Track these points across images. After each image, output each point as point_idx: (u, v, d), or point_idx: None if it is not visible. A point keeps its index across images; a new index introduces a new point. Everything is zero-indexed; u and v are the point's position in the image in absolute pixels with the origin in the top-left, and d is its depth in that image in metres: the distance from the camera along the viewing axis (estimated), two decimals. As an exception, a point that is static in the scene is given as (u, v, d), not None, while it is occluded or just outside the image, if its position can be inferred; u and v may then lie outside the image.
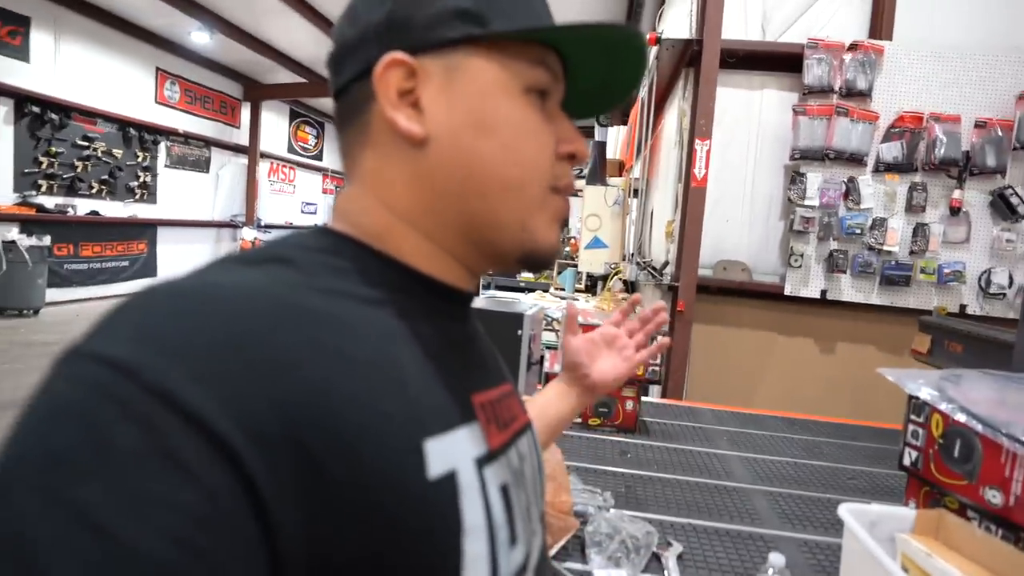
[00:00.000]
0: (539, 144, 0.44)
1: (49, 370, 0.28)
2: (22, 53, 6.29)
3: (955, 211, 2.34)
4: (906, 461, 1.16)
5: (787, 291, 2.49)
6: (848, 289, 2.46)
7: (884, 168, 2.38)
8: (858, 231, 2.38)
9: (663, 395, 2.54)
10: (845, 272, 2.44)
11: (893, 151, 2.35)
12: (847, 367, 2.50)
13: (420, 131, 0.42)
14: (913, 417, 1.17)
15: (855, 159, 2.38)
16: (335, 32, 0.48)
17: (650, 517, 1.09)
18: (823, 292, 2.48)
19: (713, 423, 1.74)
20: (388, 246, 0.44)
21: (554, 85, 0.46)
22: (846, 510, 0.86)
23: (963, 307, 2.41)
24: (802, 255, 2.45)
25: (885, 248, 2.37)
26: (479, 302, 1.42)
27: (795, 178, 2.45)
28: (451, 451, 0.37)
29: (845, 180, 2.40)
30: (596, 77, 0.49)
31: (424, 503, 0.34)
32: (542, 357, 2.71)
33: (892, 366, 1.44)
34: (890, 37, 2.44)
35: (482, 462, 0.40)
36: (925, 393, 1.15)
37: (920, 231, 2.36)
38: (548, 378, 1.62)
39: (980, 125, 2.31)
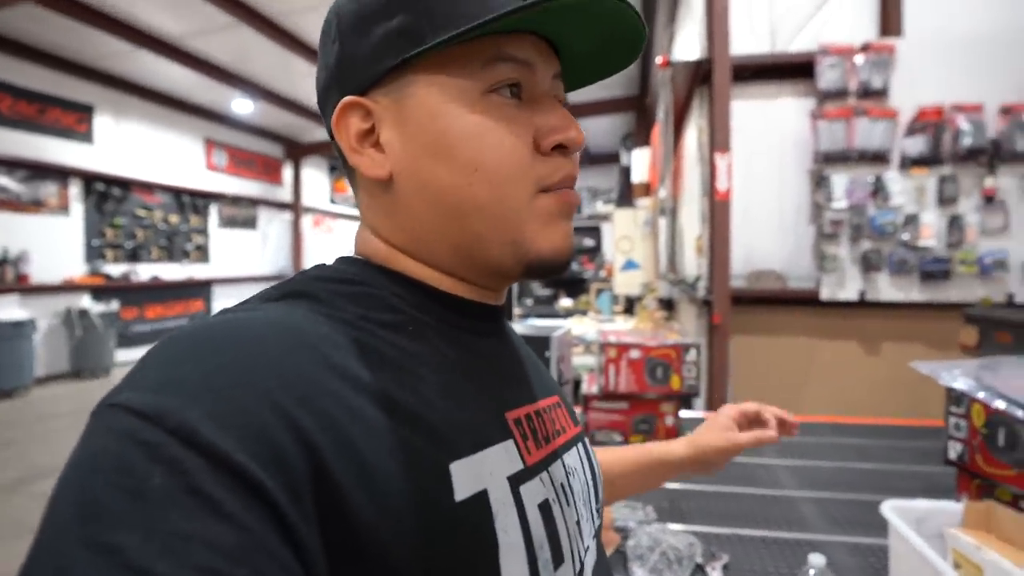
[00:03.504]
0: (509, 150, 0.40)
1: (88, 422, 0.29)
2: (87, 137, 6.86)
3: (990, 199, 2.28)
4: (951, 455, 1.15)
5: (823, 296, 2.45)
6: (886, 288, 2.41)
7: (911, 163, 2.35)
8: (890, 229, 2.35)
9: (706, 408, 2.52)
10: (881, 271, 2.39)
11: (918, 145, 2.32)
12: (894, 367, 2.44)
13: (382, 172, 0.42)
14: (953, 409, 1.16)
15: (879, 157, 2.37)
16: (316, 78, 0.47)
17: (695, 529, 1.09)
18: (861, 294, 2.43)
19: (757, 433, 1.72)
20: (400, 270, 0.44)
21: (528, 72, 0.41)
22: (889, 508, 0.85)
23: (1010, 296, 2.32)
24: (835, 258, 2.42)
25: (920, 244, 2.32)
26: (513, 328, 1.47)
27: (820, 182, 2.44)
28: (480, 471, 0.36)
29: (871, 179, 2.38)
30: (588, 38, 0.43)
31: (452, 526, 0.33)
32: (579, 380, 2.73)
33: (944, 360, 1.42)
34: (899, 33, 2.44)
35: (517, 480, 0.38)
36: (961, 383, 1.14)
37: (955, 223, 2.31)
38: (587, 400, 1.65)
39: (1006, 111, 2.27)
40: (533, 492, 0.40)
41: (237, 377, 0.30)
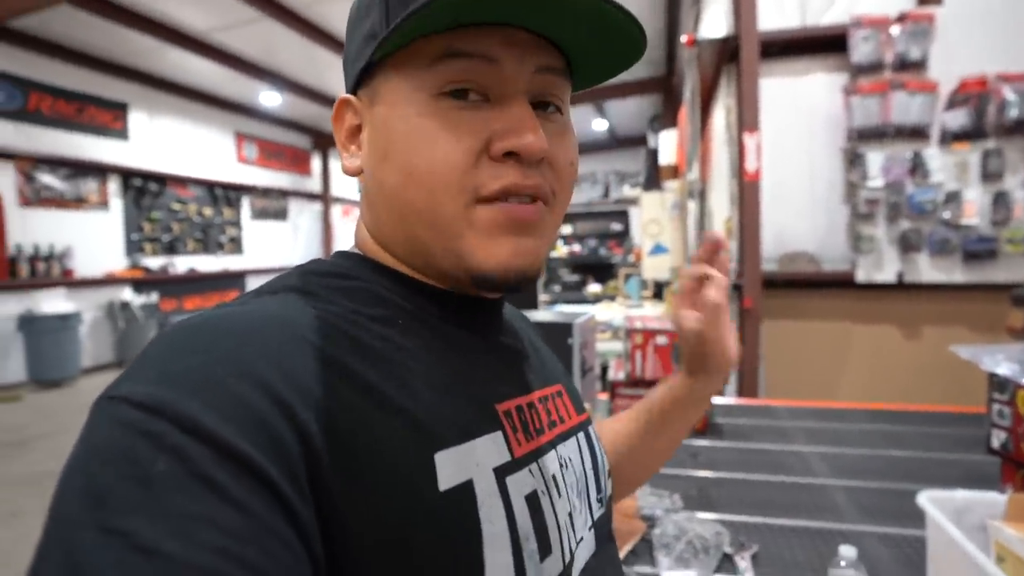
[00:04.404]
0: (441, 155, 0.38)
1: (89, 415, 0.30)
2: (123, 134, 7.06)
3: (1039, 173, 2.17)
4: (995, 444, 1.11)
5: (859, 278, 2.37)
6: (927, 269, 2.31)
7: (952, 138, 2.24)
8: (930, 207, 2.25)
9: (739, 395, 2.48)
10: (921, 251, 2.30)
11: (959, 119, 2.21)
12: (936, 351, 2.35)
13: (353, 167, 0.44)
14: (996, 396, 1.12)
15: (917, 132, 2.26)
16: None
17: (723, 518, 1.08)
18: (899, 275, 2.35)
19: (789, 420, 1.69)
20: (388, 264, 0.45)
21: (490, 68, 0.38)
22: (927, 498, 0.83)
23: (1062, 276, 2.22)
24: (872, 238, 2.34)
25: (963, 222, 2.22)
26: (535, 315, 1.46)
27: (855, 159, 2.35)
28: (465, 462, 0.37)
29: (909, 156, 2.29)
30: (567, 29, 0.39)
31: (436, 514, 0.34)
32: (606, 366, 2.71)
33: (985, 346, 1.35)
34: (939, 0, 2.32)
35: (503, 471, 0.39)
36: (1004, 368, 1.10)
37: (1001, 200, 2.20)
38: (614, 386, 1.63)
39: (1057, 79, 2.14)
40: (520, 483, 0.40)
41: (234, 367, 0.31)
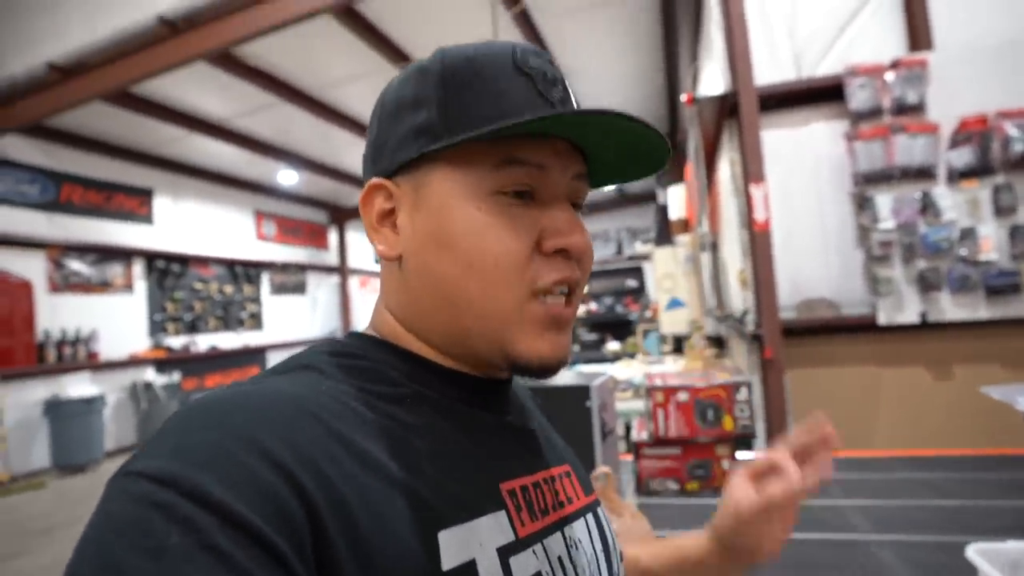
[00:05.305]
0: (505, 249, 0.42)
1: (104, 490, 0.32)
2: (148, 219, 7.37)
3: (1053, 205, 2.15)
4: (1043, 489, 1.05)
5: (881, 321, 2.33)
6: (950, 308, 2.26)
7: (959, 176, 2.24)
8: (945, 245, 2.22)
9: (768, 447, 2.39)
10: (942, 290, 2.26)
11: (964, 157, 2.22)
12: (970, 391, 2.26)
13: (392, 252, 0.45)
14: (1038, 438, 1.06)
15: (924, 173, 2.27)
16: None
17: (760, 581, 1.03)
18: (922, 315, 2.29)
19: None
20: (403, 345, 0.46)
21: (540, 175, 0.43)
22: (976, 552, 0.79)
23: (1091, 307, 2.15)
24: (889, 280, 2.31)
25: (981, 258, 2.19)
26: (553, 378, 1.44)
27: (863, 203, 2.36)
28: (469, 541, 0.37)
29: (918, 196, 2.29)
30: (608, 146, 0.45)
31: None
32: (628, 426, 2.65)
33: (1021, 382, 1.30)
34: (930, 46, 2.38)
35: (507, 551, 0.39)
36: (1042, 409, 1.05)
37: (1018, 233, 2.17)
38: (638, 447, 1.59)
39: (1058, 113, 2.15)
40: (524, 564, 0.40)
41: (244, 442, 0.32)
